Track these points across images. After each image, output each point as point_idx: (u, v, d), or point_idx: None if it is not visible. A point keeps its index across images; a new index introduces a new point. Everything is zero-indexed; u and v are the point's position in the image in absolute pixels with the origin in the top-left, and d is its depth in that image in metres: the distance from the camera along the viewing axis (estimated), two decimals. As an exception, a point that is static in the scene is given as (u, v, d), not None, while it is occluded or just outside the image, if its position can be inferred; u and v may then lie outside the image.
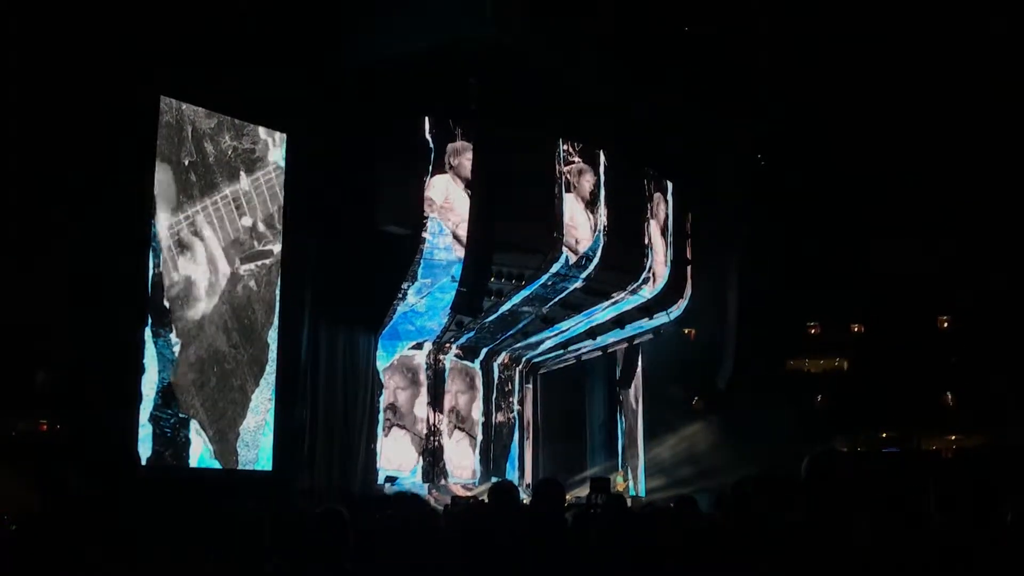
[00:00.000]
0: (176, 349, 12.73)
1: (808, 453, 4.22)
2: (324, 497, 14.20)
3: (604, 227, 17.05)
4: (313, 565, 4.27)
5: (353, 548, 4.50)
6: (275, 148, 14.29)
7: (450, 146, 15.59)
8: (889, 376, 26.08)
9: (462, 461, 18.72)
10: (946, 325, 28.41)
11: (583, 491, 18.51)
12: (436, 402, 18.27)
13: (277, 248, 14.17)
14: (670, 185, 19.15)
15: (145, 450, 12.18)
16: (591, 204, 17.00)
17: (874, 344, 27.32)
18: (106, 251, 11.90)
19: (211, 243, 13.38)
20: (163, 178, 12.85)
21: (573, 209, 16.71)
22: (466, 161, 15.50)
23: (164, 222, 12.81)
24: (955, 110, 19.32)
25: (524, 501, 10.31)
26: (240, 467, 13.29)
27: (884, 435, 27.39)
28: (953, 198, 22.68)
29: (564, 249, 16.38)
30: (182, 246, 13.00)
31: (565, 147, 16.75)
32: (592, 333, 19.71)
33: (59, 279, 11.88)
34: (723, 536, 5.12)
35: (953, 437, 27.33)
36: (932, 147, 20.88)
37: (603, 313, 18.82)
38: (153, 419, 12.36)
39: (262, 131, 14.15)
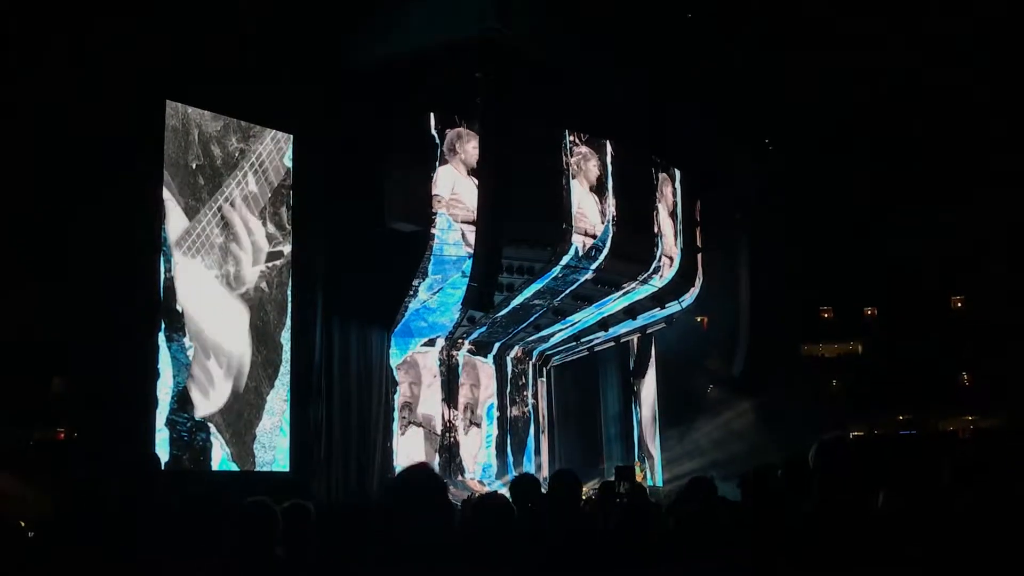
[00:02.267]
0: (190, 353, 12.75)
1: (818, 440, 4.20)
2: (341, 495, 14.23)
3: (613, 217, 17.01)
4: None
5: (319, 540, 4.54)
6: (282, 149, 14.29)
7: (451, 132, 15.55)
8: (904, 358, 26.02)
9: (478, 457, 18.73)
10: (960, 305, 28.31)
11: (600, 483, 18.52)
12: (450, 398, 18.27)
13: (287, 249, 14.18)
14: (678, 173, 19.10)
15: (163, 455, 12.20)
16: (598, 190, 16.97)
17: (888, 327, 27.25)
18: (117, 257, 11.92)
19: (222, 246, 13.38)
20: (171, 182, 12.86)
21: (581, 196, 16.68)
22: (471, 149, 15.45)
23: (174, 226, 12.82)
24: (966, 89, 19.20)
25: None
26: (257, 468, 13.31)
27: (900, 418, 27.34)
28: (965, 177, 22.56)
29: (576, 237, 16.36)
30: (192, 249, 13.01)
31: (571, 138, 16.72)
32: (604, 324, 19.69)
33: (71, 287, 11.90)
34: (744, 519, 5.09)
35: (970, 418, 27.27)
36: (943, 126, 20.77)
37: (615, 304, 18.79)
38: (169, 423, 12.38)
39: (268, 132, 14.14)
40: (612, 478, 14.30)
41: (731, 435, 20.74)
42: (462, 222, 15.29)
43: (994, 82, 19.00)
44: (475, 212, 14.94)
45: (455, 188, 15.43)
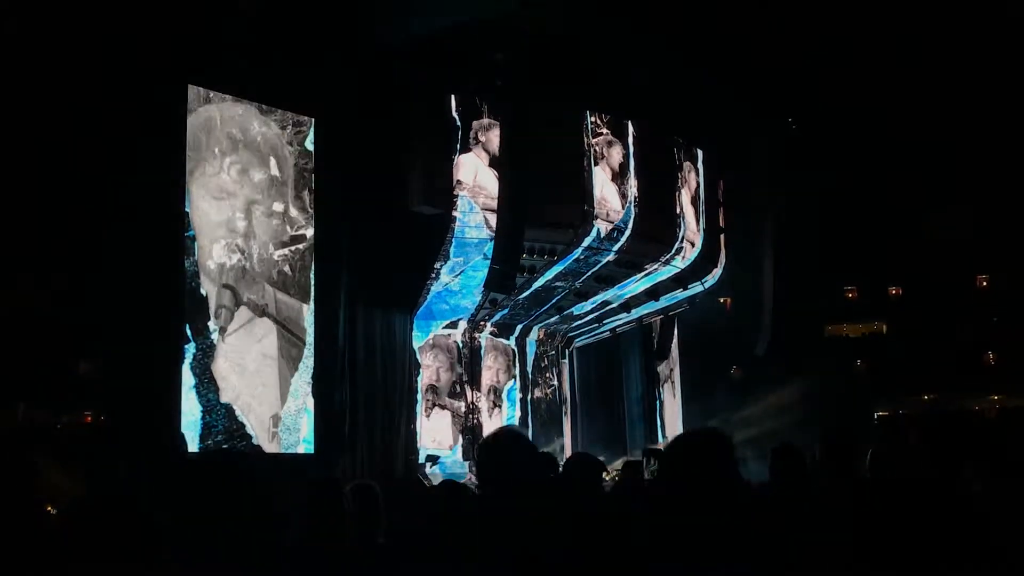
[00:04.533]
0: (215, 336, 12.82)
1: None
2: (367, 477, 14.29)
3: (635, 198, 16.95)
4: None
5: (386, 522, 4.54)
6: (303, 132, 14.30)
7: (476, 123, 15.55)
8: (929, 338, 25.85)
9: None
10: (985, 284, 28.07)
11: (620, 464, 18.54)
12: (473, 380, 18.30)
13: (310, 232, 14.22)
14: (700, 153, 18.98)
15: (189, 437, 12.30)
16: (621, 175, 16.90)
17: (913, 306, 27.08)
18: (143, 242, 11.98)
19: (245, 230, 13.43)
20: (194, 167, 12.89)
21: (603, 181, 16.62)
22: (494, 137, 15.45)
23: (198, 211, 12.87)
24: (993, 69, 18.97)
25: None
26: (283, 451, 13.40)
27: (926, 397, 27.19)
28: (989, 154, 22.34)
29: (596, 222, 16.31)
30: (216, 234, 13.06)
31: (593, 119, 16.65)
32: (627, 306, 19.64)
33: (97, 271, 11.98)
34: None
35: (996, 397, 27.09)
36: (966, 105, 20.55)
37: (636, 285, 18.74)
38: (194, 406, 12.47)
39: (290, 116, 14.16)
40: (636, 458, 14.31)
41: (755, 416, 20.69)
42: (484, 210, 15.30)
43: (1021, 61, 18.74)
44: (496, 200, 14.94)
45: (477, 177, 15.43)
